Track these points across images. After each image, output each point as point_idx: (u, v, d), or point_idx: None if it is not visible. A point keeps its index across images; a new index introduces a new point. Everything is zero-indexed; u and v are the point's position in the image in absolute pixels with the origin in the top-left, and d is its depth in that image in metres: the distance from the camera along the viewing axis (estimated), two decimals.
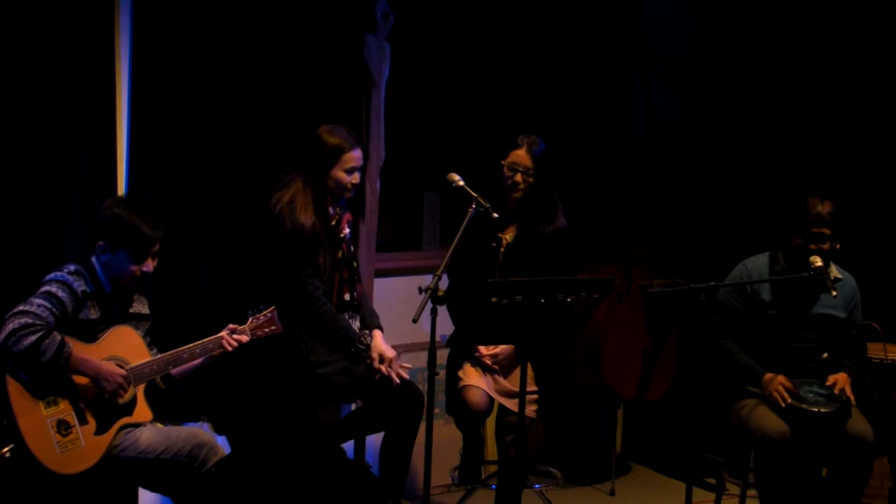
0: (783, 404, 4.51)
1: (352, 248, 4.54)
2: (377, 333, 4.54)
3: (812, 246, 4.59)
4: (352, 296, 4.50)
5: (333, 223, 4.43)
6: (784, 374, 4.60)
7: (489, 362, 4.69)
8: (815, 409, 4.46)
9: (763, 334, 4.68)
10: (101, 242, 3.94)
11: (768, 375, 4.60)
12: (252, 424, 4.61)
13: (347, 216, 4.52)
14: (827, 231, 4.59)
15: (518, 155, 4.67)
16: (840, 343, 4.71)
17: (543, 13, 5.75)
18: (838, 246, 4.64)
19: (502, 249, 4.74)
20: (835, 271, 4.64)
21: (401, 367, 4.47)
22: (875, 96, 5.76)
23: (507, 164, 4.68)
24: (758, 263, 4.76)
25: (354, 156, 4.40)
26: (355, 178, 4.42)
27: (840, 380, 4.58)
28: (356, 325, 4.53)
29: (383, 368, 4.42)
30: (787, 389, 4.52)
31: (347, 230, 4.50)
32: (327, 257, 4.40)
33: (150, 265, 3.97)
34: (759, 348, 4.68)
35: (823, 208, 4.60)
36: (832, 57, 5.85)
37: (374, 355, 4.45)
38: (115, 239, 3.92)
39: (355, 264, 4.56)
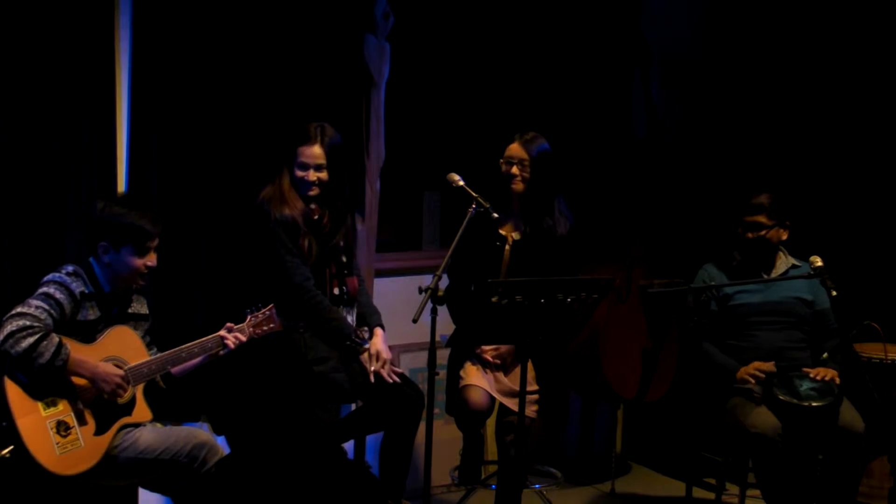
0: (753, 383, 4.60)
1: (340, 243, 4.53)
2: (378, 332, 4.55)
3: (749, 234, 4.76)
4: (341, 290, 4.50)
5: (316, 217, 4.44)
6: (768, 361, 4.67)
7: (490, 357, 4.68)
8: (807, 404, 4.47)
9: (738, 326, 4.76)
10: (103, 243, 3.93)
11: (741, 370, 4.69)
12: (251, 424, 4.61)
13: (328, 213, 4.51)
14: (760, 219, 4.75)
15: (511, 148, 4.70)
16: (823, 332, 4.78)
17: (544, 13, 5.75)
18: (785, 235, 4.79)
19: (508, 247, 4.74)
20: (792, 260, 4.80)
21: (393, 371, 4.46)
22: (876, 97, 5.75)
23: (503, 160, 4.70)
24: (712, 266, 4.90)
25: (306, 151, 4.38)
26: (310, 174, 4.39)
27: (827, 372, 4.61)
28: (352, 319, 4.53)
29: (377, 368, 4.42)
30: (766, 373, 4.62)
31: (330, 225, 4.50)
32: (313, 244, 4.40)
33: (153, 259, 3.98)
34: (740, 340, 4.74)
35: (756, 198, 4.78)
36: (833, 56, 5.85)
37: (373, 351, 4.45)
38: (118, 237, 3.91)
39: (344, 259, 4.56)
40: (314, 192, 4.42)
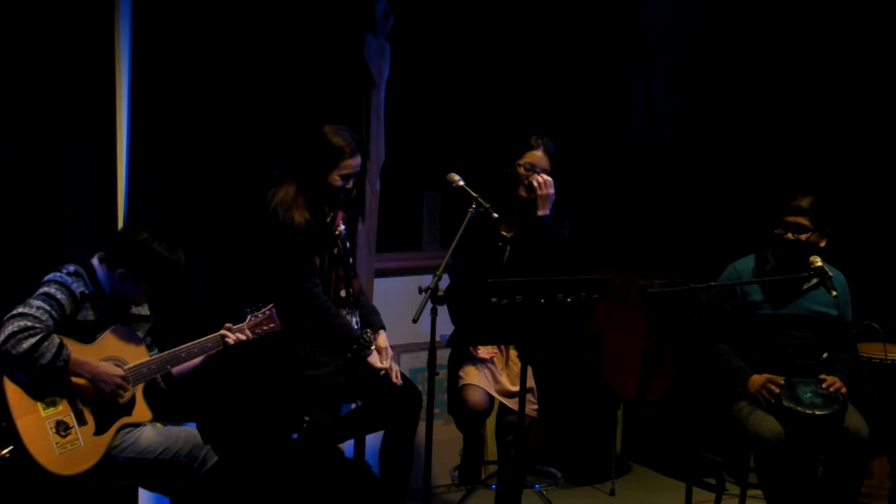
0: (764, 405, 4.52)
1: (347, 245, 4.54)
2: (381, 333, 4.55)
3: (788, 235, 4.61)
4: (347, 292, 4.49)
5: (328, 220, 4.43)
6: (779, 373, 4.61)
7: (486, 354, 4.67)
8: (810, 412, 4.45)
9: (756, 334, 4.68)
10: (121, 270, 3.91)
11: (755, 377, 4.61)
12: (246, 429, 4.59)
13: (341, 213, 4.52)
14: (803, 221, 4.61)
15: (535, 156, 4.67)
16: (837, 342, 4.71)
17: (544, 13, 5.74)
18: (823, 243, 4.64)
19: (508, 246, 4.73)
20: (826, 270, 4.63)
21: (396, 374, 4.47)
22: (875, 96, 5.75)
23: (523, 164, 4.67)
24: (746, 265, 4.77)
25: (352, 163, 4.38)
26: (349, 184, 4.41)
27: (835, 381, 4.58)
28: (355, 320, 4.52)
29: (386, 366, 4.42)
30: (777, 386, 4.54)
31: (343, 227, 4.50)
32: (324, 255, 4.40)
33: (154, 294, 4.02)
34: (752, 348, 4.69)
35: (800, 200, 4.63)
36: (832, 56, 5.85)
37: (381, 345, 4.45)
38: (142, 273, 3.91)
39: (351, 260, 4.55)
40: (341, 198, 4.44)
